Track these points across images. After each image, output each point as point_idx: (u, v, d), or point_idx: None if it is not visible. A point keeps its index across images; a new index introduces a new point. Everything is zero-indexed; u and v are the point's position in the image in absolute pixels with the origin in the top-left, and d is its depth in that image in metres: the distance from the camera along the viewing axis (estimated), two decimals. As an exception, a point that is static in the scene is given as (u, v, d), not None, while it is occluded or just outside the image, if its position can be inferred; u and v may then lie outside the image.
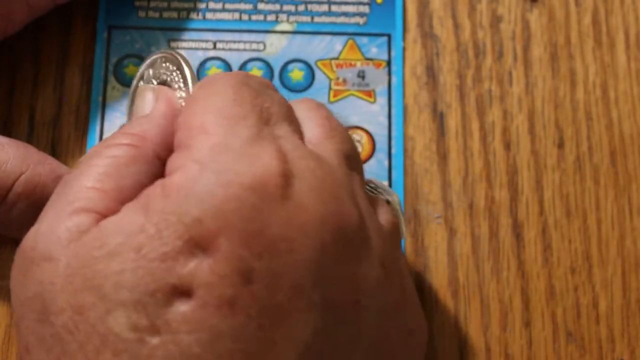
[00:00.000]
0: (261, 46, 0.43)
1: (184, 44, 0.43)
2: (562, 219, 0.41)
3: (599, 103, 0.43)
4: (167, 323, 0.28)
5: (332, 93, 0.42)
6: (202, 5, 0.43)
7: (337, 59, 0.43)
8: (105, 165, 0.31)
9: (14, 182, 0.37)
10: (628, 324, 0.40)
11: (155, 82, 0.36)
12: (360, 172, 0.34)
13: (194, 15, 0.43)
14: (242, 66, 0.42)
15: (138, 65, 0.42)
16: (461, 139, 0.42)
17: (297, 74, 0.42)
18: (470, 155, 0.42)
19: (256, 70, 0.42)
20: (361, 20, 0.43)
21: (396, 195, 0.37)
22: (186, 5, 0.43)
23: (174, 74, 0.35)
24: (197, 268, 0.28)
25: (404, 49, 0.43)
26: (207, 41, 0.43)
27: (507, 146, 0.42)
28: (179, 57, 0.35)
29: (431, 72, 0.43)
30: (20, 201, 0.37)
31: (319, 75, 0.42)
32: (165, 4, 0.43)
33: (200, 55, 0.43)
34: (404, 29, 0.43)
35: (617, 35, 0.44)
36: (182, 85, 0.35)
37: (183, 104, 0.34)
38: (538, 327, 0.40)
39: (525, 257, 0.40)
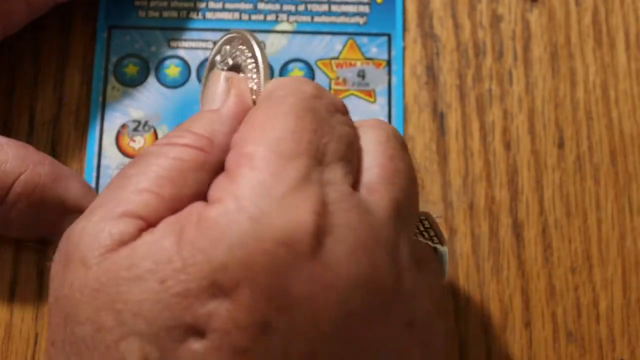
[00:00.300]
0: (262, 46, 0.43)
1: (184, 44, 0.43)
2: (562, 219, 0.41)
3: (599, 103, 0.43)
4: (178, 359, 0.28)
5: (332, 93, 0.42)
6: (202, 5, 0.43)
7: (337, 58, 0.43)
8: (168, 167, 0.31)
9: (14, 182, 0.37)
10: (628, 324, 0.40)
11: (229, 61, 0.35)
12: (411, 222, 0.32)
13: (194, 15, 0.43)
14: (242, 66, 0.42)
15: (138, 65, 0.42)
16: (461, 138, 0.42)
17: (297, 73, 0.42)
18: (470, 155, 0.42)
19: (256, 70, 0.42)
20: (361, 20, 0.43)
21: (446, 246, 0.36)
22: (186, 5, 0.43)
23: (248, 60, 0.34)
24: (215, 311, 0.28)
25: (404, 48, 0.43)
26: (207, 41, 0.43)
27: (507, 146, 0.42)
28: (255, 46, 0.34)
29: (431, 72, 0.43)
30: (19, 201, 0.37)
31: (319, 75, 0.42)
32: (165, 4, 0.43)
33: (200, 55, 0.43)
34: (404, 29, 0.43)
35: (617, 35, 0.44)
36: (254, 75, 0.34)
37: (253, 97, 0.33)
38: (538, 327, 0.40)
39: (525, 257, 0.40)
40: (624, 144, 0.42)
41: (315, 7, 0.43)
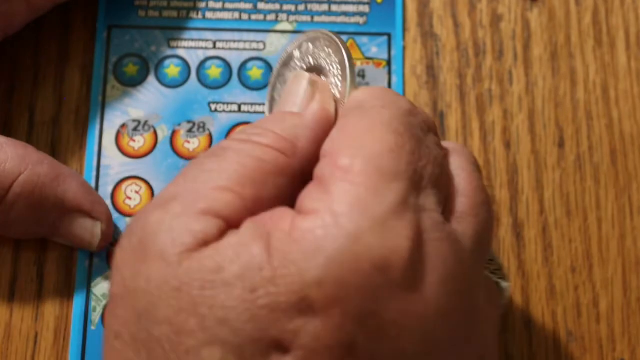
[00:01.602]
0: (261, 46, 0.43)
1: (184, 44, 0.43)
2: (563, 219, 0.41)
3: (599, 102, 0.42)
4: None
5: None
6: (202, 5, 0.43)
7: (337, 58, 0.43)
8: (250, 167, 0.30)
9: (13, 182, 0.37)
10: (629, 324, 0.40)
11: (310, 61, 0.34)
12: (486, 256, 0.32)
13: (193, 15, 0.43)
14: (242, 65, 0.42)
15: (138, 64, 0.42)
16: (461, 138, 0.42)
17: (297, 73, 0.42)
18: (470, 154, 0.42)
19: (256, 70, 0.42)
20: (361, 20, 0.43)
21: (509, 283, 0.35)
22: (186, 4, 0.43)
23: (334, 65, 0.33)
24: (302, 328, 0.27)
25: (404, 48, 0.43)
26: (207, 40, 0.43)
27: (508, 145, 0.42)
28: (344, 51, 0.33)
29: (431, 72, 0.43)
30: (19, 201, 0.37)
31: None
32: (165, 4, 0.43)
33: (200, 54, 0.43)
34: (404, 29, 0.43)
35: (617, 34, 0.43)
36: (338, 82, 0.33)
37: (335, 107, 0.32)
38: (538, 327, 0.40)
39: (525, 256, 0.40)
40: (624, 143, 0.42)
41: (315, 7, 0.43)
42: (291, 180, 0.30)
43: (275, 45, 0.43)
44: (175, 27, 0.43)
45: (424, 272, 0.28)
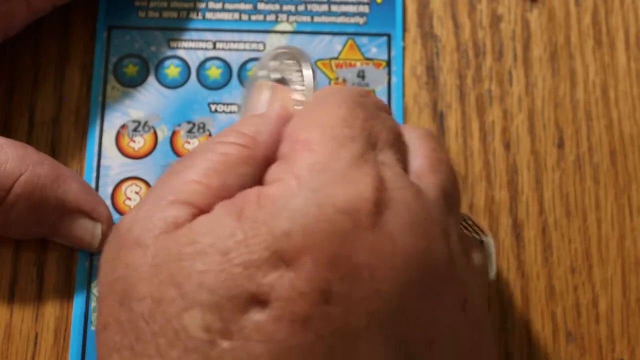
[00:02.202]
0: (261, 46, 0.43)
1: (184, 44, 0.43)
2: (562, 219, 0.41)
3: (599, 103, 0.43)
4: (240, 329, 0.28)
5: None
6: (202, 5, 0.43)
7: (336, 59, 0.43)
8: (215, 161, 0.32)
9: (13, 183, 0.37)
10: (628, 324, 0.40)
11: (277, 75, 0.36)
12: (457, 210, 0.33)
13: (193, 15, 0.43)
14: (242, 66, 0.42)
15: (138, 65, 0.42)
16: (461, 138, 0.42)
17: (296, 74, 0.42)
18: (470, 155, 0.42)
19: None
20: (361, 20, 0.43)
21: (490, 236, 0.37)
22: (186, 5, 0.43)
23: (295, 74, 0.35)
24: (277, 280, 0.28)
25: (403, 48, 0.43)
26: (207, 41, 0.43)
27: (507, 146, 0.42)
28: (301, 59, 0.35)
29: (431, 72, 0.43)
30: (19, 202, 0.37)
31: (318, 75, 0.42)
32: (165, 4, 0.43)
33: (200, 55, 0.43)
34: (404, 29, 0.43)
35: (617, 35, 0.44)
36: (300, 87, 0.35)
37: (297, 108, 0.34)
38: (538, 327, 0.40)
39: (524, 257, 0.40)
40: (624, 144, 0.42)
41: (315, 7, 0.43)
42: (255, 169, 0.32)
43: (275, 45, 0.43)
44: (175, 28, 0.43)
45: (389, 215, 0.29)
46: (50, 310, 0.39)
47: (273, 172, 0.31)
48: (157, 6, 0.43)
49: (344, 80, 0.42)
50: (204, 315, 0.28)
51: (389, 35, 0.43)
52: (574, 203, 0.41)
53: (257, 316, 0.28)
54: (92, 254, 0.39)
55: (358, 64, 0.42)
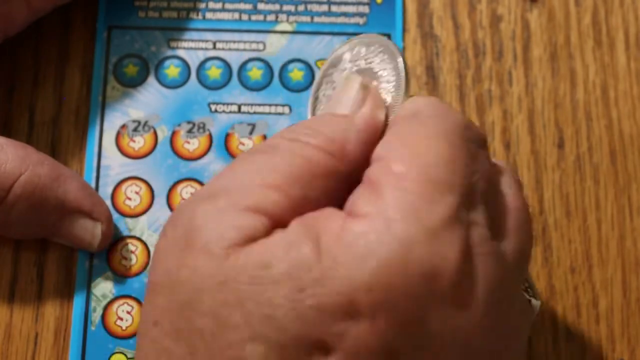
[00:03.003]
0: (261, 46, 0.43)
1: (184, 44, 0.43)
2: (562, 219, 0.41)
3: (598, 103, 0.43)
4: None
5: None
6: (202, 5, 0.43)
7: (336, 59, 0.43)
8: (298, 167, 0.30)
9: (13, 183, 0.37)
10: (628, 324, 0.40)
11: (362, 64, 0.34)
12: (525, 272, 0.33)
13: (193, 15, 0.43)
14: (242, 66, 0.42)
15: (138, 65, 0.42)
16: (461, 138, 0.42)
17: (296, 74, 0.42)
18: (470, 155, 0.42)
19: (256, 70, 0.42)
20: (361, 21, 0.43)
21: (540, 302, 0.35)
22: (186, 5, 0.43)
23: (387, 72, 0.33)
24: (347, 330, 0.27)
25: (403, 49, 0.43)
26: (206, 41, 0.43)
27: (507, 146, 0.42)
28: (398, 58, 0.33)
29: (431, 72, 0.43)
30: (19, 202, 0.37)
31: (318, 75, 0.42)
32: (165, 4, 0.43)
33: (200, 55, 0.43)
34: (404, 29, 0.43)
35: (617, 35, 0.44)
36: (391, 88, 0.33)
37: (385, 114, 0.32)
38: (538, 327, 0.40)
39: (525, 257, 0.40)
40: (624, 144, 0.42)
41: (315, 8, 0.43)
42: (338, 183, 0.30)
43: (275, 45, 0.43)
44: (175, 28, 0.43)
45: (471, 285, 0.28)
46: (50, 310, 0.39)
47: (359, 199, 0.29)
48: (157, 6, 0.43)
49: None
50: (267, 352, 0.27)
51: (388, 36, 0.43)
52: (574, 203, 0.41)
53: None
54: (92, 255, 0.39)
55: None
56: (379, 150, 0.30)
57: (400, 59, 0.33)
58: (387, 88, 0.33)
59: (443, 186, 0.29)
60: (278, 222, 0.29)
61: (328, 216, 0.29)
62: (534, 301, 0.34)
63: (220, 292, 0.28)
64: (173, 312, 0.28)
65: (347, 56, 0.35)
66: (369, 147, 0.31)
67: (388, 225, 0.28)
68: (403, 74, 0.32)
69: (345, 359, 0.27)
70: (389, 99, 0.32)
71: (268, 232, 0.29)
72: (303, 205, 0.29)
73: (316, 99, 0.36)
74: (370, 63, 0.34)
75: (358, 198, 0.29)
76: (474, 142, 0.31)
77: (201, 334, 0.28)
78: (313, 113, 0.35)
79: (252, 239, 0.28)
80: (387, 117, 0.32)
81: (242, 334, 0.27)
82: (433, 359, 0.28)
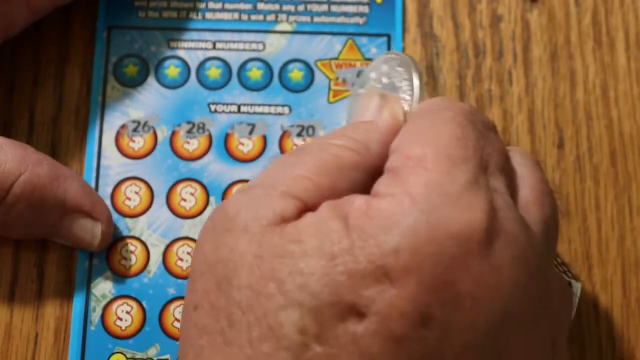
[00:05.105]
0: (261, 46, 0.43)
1: (184, 44, 0.43)
2: (562, 219, 0.41)
3: (598, 103, 0.43)
4: (335, 337, 0.28)
5: (331, 93, 0.42)
6: (202, 5, 0.43)
7: (336, 59, 0.43)
8: (326, 160, 0.32)
9: (13, 183, 0.37)
10: (628, 324, 0.40)
11: (384, 80, 0.36)
12: (554, 247, 0.33)
13: (193, 15, 0.43)
14: (242, 66, 0.42)
15: (138, 65, 0.42)
16: (461, 139, 0.42)
17: (296, 74, 0.42)
18: (470, 155, 0.42)
19: (256, 70, 0.42)
20: (361, 20, 0.43)
21: (580, 283, 0.36)
22: (186, 5, 0.43)
23: (404, 82, 0.35)
24: (379, 295, 0.28)
25: (403, 49, 0.43)
26: (206, 41, 0.43)
27: (507, 146, 0.42)
28: (412, 66, 0.35)
29: (431, 72, 0.43)
30: (19, 202, 0.37)
31: (318, 75, 0.42)
32: (164, 4, 0.43)
33: (200, 55, 0.43)
34: (404, 29, 0.43)
35: (617, 35, 0.43)
36: (407, 97, 0.35)
37: (404, 117, 0.34)
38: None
39: (524, 257, 0.40)
40: (624, 144, 0.42)
41: (314, 7, 0.43)
42: (364, 176, 0.32)
43: (274, 45, 0.43)
44: (175, 28, 0.43)
45: (498, 245, 0.29)
46: (50, 310, 0.39)
47: (383, 185, 0.30)
48: (157, 6, 0.43)
49: (344, 81, 0.42)
50: (302, 317, 0.28)
51: (388, 36, 0.43)
52: (573, 203, 0.41)
53: (354, 327, 0.28)
54: (92, 254, 0.40)
55: (358, 64, 0.43)
56: (394, 143, 0.32)
57: (414, 70, 0.35)
58: (405, 98, 0.35)
59: (458, 159, 0.30)
60: (309, 207, 0.31)
61: (353, 199, 0.30)
62: (574, 282, 0.35)
63: (257, 266, 0.29)
64: (212, 292, 0.30)
65: (372, 75, 0.37)
66: (389, 147, 0.33)
67: (412, 198, 0.29)
68: (417, 83, 0.35)
69: (378, 323, 0.28)
70: (406, 107, 0.35)
71: (300, 213, 0.30)
72: (332, 193, 0.31)
73: (349, 118, 0.39)
74: (391, 78, 0.36)
75: (381, 183, 0.31)
76: (481, 124, 0.33)
77: (239, 306, 0.29)
78: None
79: (285, 219, 0.30)
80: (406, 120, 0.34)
81: (277, 302, 0.28)
82: (466, 320, 0.28)
